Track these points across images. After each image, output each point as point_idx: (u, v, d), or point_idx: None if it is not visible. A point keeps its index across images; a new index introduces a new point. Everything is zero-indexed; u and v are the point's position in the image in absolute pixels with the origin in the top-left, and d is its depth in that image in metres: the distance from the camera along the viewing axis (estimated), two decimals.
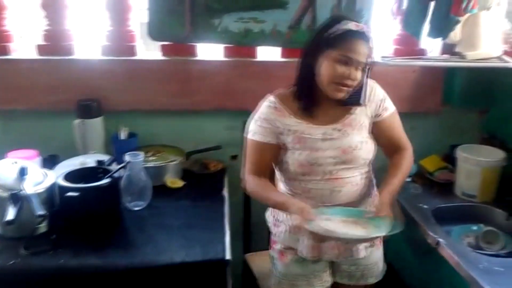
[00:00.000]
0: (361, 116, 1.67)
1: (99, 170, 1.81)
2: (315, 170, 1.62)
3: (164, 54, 2.26)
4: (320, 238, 1.56)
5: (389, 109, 1.72)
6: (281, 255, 1.77)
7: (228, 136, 2.38)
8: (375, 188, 1.78)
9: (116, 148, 2.20)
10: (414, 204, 2.09)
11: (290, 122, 1.64)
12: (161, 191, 1.99)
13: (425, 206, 2.08)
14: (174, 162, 2.11)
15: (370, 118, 1.70)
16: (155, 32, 2.20)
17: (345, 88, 1.55)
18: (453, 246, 1.78)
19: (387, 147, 1.75)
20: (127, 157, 1.84)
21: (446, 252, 1.75)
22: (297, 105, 1.65)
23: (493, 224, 2.07)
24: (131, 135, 2.24)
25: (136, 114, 2.29)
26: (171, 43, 2.25)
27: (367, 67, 1.58)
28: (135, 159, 1.84)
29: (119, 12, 2.20)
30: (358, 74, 1.55)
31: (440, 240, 1.80)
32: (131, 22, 2.24)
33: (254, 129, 1.67)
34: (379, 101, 1.70)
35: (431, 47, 2.39)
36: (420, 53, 2.33)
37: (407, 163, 1.72)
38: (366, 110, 1.68)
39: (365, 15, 2.23)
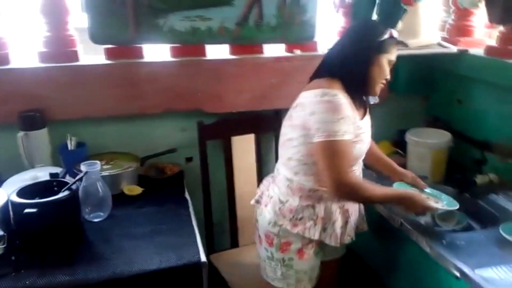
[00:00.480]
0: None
1: (53, 184, 1.70)
2: (359, 161, 1.77)
3: (108, 58, 2.17)
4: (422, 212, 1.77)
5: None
6: (301, 253, 1.76)
7: (182, 138, 2.33)
8: None
9: (65, 159, 2.09)
10: None
11: (355, 116, 1.67)
12: (119, 200, 1.91)
13: None
14: (130, 169, 2.03)
15: None
16: (97, 35, 2.10)
17: (383, 85, 1.73)
18: (416, 225, 1.85)
19: None
20: (83, 167, 1.75)
21: (411, 231, 1.82)
22: (350, 100, 1.65)
23: None
24: (80, 144, 2.13)
25: (83, 122, 2.19)
26: (115, 46, 2.16)
27: None
28: (92, 168, 1.75)
29: (56, 16, 2.07)
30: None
31: (402, 221, 1.86)
32: (70, 26, 2.13)
33: (344, 129, 1.55)
34: None
35: None
36: None
37: None
38: None
39: (309, 9, 2.26)
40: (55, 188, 1.66)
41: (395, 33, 1.68)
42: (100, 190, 1.78)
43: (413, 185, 1.94)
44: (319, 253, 1.82)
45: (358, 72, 1.65)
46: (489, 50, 2.13)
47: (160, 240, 1.65)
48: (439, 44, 2.32)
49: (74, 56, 2.13)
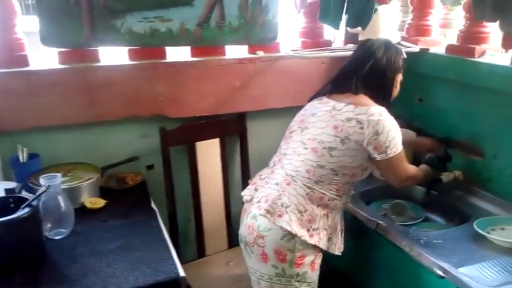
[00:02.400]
0: None
1: (9, 200, 1.56)
2: None
3: (61, 62, 2.04)
4: None
5: None
6: (313, 265, 1.70)
7: (143, 145, 2.23)
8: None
9: (17, 172, 1.94)
10: None
11: None
12: (81, 214, 1.77)
13: (352, 192, 2.13)
14: (91, 180, 1.90)
15: None
16: (49, 38, 1.97)
17: None
18: (393, 226, 1.85)
19: None
20: (42, 181, 1.62)
21: (388, 232, 1.81)
22: None
23: (414, 199, 2.21)
24: (32, 156, 1.98)
25: (35, 132, 2.03)
26: (68, 49, 2.03)
27: None
28: (53, 182, 1.62)
29: (3, 18, 1.93)
30: None
31: (380, 222, 1.86)
32: (18, 29, 1.98)
33: (400, 141, 1.74)
34: None
35: (334, 38, 2.47)
36: (326, 44, 2.39)
37: None
38: None
39: (271, 10, 2.22)
40: (12, 205, 1.53)
41: (404, 54, 1.86)
42: (61, 204, 1.65)
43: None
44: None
45: (387, 89, 1.83)
46: (450, 48, 2.17)
47: (132, 256, 1.55)
48: (399, 44, 2.34)
49: (23, 61, 1.98)
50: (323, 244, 1.68)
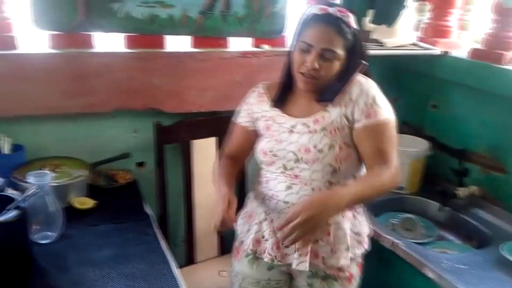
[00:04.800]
0: (337, 117, 1.54)
1: None
2: (276, 162, 1.60)
3: (52, 47, 2.00)
4: None
5: (376, 117, 1.51)
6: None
7: (135, 140, 2.22)
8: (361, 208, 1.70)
9: None
10: None
11: (267, 108, 1.66)
12: (69, 215, 1.73)
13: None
14: (81, 178, 1.88)
15: (350, 122, 1.54)
16: (41, 19, 1.92)
17: (309, 79, 1.50)
18: (410, 246, 1.85)
19: (366, 160, 1.56)
20: (31, 179, 1.59)
21: (404, 252, 1.82)
22: (277, 91, 1.66)
23: (426, 215, 2.23)
24: (16, 147, 1.96)
25: (20, 121, 2.00)
26: (61, 32, 1.99)
27: (353, 60, 1.52)
28: (43, 180, 1.60)
29: None
30: (321, 63, 1.47)
31: (396, 241, 1.86)
32: (6, 7, 1.93)
33: (237, 112, 1.74)
34: (364, 105, 1.52)
35: None
36: None
37: (382, 177, 1.49)
38: (346, 111, 1.54)
39: (280, 0, 2.20)
40: None
41: (321, 10, 1.48)
42: (49, 205, 1.63)
43: None
44: None
45: (287, 58, 1.62)
46: (474, 53, 2.17)
47: (128, 268, 1.52)
48: (415, 44, 2.35)
49: (10, 42, 1.93)
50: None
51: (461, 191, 2.14)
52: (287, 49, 2.27)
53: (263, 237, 1.63)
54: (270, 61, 2.25)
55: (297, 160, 1.56)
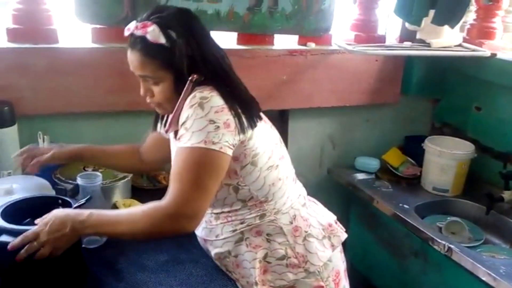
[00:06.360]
0: None
1: (59, 202, 1.34)
2: None
3: (95, 41, 1.83)
4: None
5: (180, 141, 1.20)
6: None
7: None
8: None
9: None
10: (396, 205, 2.01)
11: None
12: None
13: (405, 206, 2.01)
14: (126, 179, 1.71)
15: None
16: (84, 12, 1.76)
17: (151, 104, 1.34)
18: (464, 250, 1.72)
19: None
20: (81, 180, 1.43)
21: (460, 257, 1.68)
22: None
23: (471, 218, 2.08)
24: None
25: (59, 119, 1.85)
26: (104, 26, 1.82)
27: (180, 76, 1.24)
28: (94, 182, 1.43)
29: None
30: (152, 88, 1.29)
31: (451, 245, 1.72)
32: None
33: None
34: (181, 125, 1.22)
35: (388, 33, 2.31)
36: (381, 39, 2.22)
37: (139, 216, 1.20)
38: None
39: None
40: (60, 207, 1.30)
41: (127, 31, 1.28)
42: (100, 208, 1.45)
43: None
44: None
45: None
46: None
47: (182, 273, 1.37)
48: (461, 45, 2.20)
49: (51, 36, 1.77)
50: None
51: (507, 195, 2.01)
52: (333, 47, 2.17)
53: None
54: (316, 59, 2.11)
55: None
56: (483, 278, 1.59)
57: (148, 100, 1.32)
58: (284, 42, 2.13)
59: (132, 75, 1.85)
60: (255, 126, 1.28)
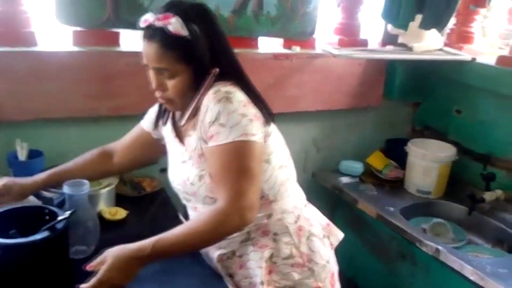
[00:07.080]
0: (197, 141, 1.25)
1: (44, 211, 1.26)
2: (178, 193, 1.39)
3: (77, 44, 1.75)
4: None
5: (216, 139, 1.18)
6: None
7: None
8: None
9: (16, 172, 1.63)
10: (381, 207, 1.99)
11: (166, 129, 1.41)
12: (100, 227, 1.49)
13: (391, 209, 1.99)
14: (111, 186, 1.63)
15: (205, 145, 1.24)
16: (65, 14, 1.67)
17: (164, 102, 1.31)
18: (452, 251, 1.71)
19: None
20: (66, 189, 1.33)
21: (449, 258, 1.67)
22: None
23: (454, 219, 2.08)
24: (35, 153, 1.69)
25: (40, 124, 1.75)
26: (85, 28, 1.74)
27: (198, 69, 1.22)
28: (80, 191, 1.34)
29: None
30: (165, 82, 1.24)
31: (439, 247, 1.70)
32: (25, 1, 1.67)
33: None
34: (208, 123, 1.20)
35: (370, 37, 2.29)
36: (363, 43, 2.20)
37: (199, 227, 1.18)
38: (200, 132, 1.23)
39: (313, 0, 2.01)
40: (47, 217, 1.24)
41: (144, 23, 1.22)
42: (85, 218, 1.37)
43: None
44: None
45: None
46: (501, 60, 2.03)
47: (175, 284, 1.31)
48: (442, 50, 2.19)
49: (30, 39, 1.68)
50: None
51: (488, 196, 2.01)
52: (318, 51, 2.13)
53: None
54: (301, 63, 2.07)
55: (183, 193, 1.36)
56: (471, 278, 1.59)
57: (158, 94, 1.28)
58: (268, 45, 2.07)
59: (115, 80, 1.79)
60: (273, 121, 1.30)
